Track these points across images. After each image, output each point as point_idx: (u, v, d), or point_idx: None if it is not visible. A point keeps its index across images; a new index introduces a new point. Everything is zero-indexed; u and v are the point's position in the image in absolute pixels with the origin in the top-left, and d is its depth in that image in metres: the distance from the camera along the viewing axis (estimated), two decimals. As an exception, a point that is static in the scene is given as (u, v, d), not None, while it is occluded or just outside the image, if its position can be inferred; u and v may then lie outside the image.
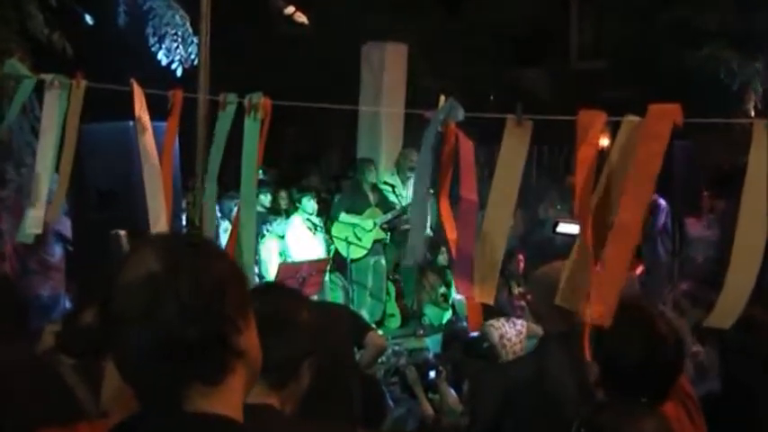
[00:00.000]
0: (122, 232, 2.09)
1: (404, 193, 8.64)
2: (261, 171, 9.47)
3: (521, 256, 8.11)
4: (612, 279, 2.64)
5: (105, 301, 1.25)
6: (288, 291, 2.18)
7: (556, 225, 8.49)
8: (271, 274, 7.71)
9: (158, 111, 4.25)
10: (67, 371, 2.50)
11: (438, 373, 5.24)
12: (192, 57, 8.55)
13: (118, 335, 1.24)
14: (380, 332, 6.84)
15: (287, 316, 1.91)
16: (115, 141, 4.68)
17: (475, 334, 5.57)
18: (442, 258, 8.84)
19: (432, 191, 8.71)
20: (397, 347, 6.96)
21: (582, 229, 2.88)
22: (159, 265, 1.23)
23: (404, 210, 8.43)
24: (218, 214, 9.13)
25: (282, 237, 8.31)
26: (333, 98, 5.31)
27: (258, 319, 1.34)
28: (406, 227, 8.70)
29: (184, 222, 6.17)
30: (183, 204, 6.06)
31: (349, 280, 8.21)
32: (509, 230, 3.51)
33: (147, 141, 4.02)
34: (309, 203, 8.31)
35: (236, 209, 5.03)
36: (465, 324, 6.79)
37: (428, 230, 9.17)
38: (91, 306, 2.48)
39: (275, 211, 8.55)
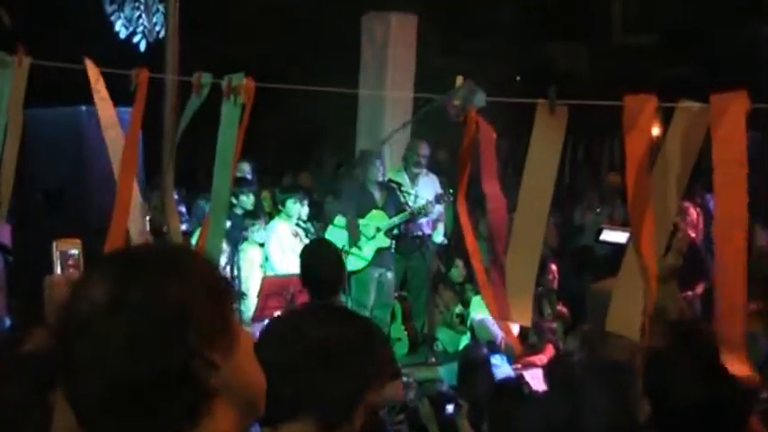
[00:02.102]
0: (55, 242, 2.07)
1: (412, 193, 8.63)
2: (248, 167, 9.48)
3: (553, 267, 8.10)
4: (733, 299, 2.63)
5: (56, 336, 1.27)
6: (344, 313, 2.17)
7: (599, 233, 8.49)
8: (252, 289, 7.70)
9: (117, 93, 4.24)
10: (10, 408, 2.49)
11: (457, 407, 5.21)
12: (158, 28, 8.55)
13: (67, 376, 1.26)
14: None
15: (343, 345, 1.90)
16: (65, 130, 4.68)
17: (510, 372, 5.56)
18: (458, 273, 8.83)
19: (451, 191, 8.66)
20: (404, 379, 6.94)
21: (636, 238, 2.86)
22: (105, 293, 1.24)
23: (414, 213, 8.41)
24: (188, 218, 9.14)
25: (262, 245, 8.29)
26: (327, 79, 5.30)
27: (307, 349, 1.33)
28: (417, 233, 8.68)
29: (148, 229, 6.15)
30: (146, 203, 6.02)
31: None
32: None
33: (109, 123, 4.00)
34: (295, 207, 8.30)
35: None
36: (485, 350, 6.78)
37: (442, 238, 9.19)
38: (33, 330, 2.46)
39: (253, 215, 8.52)
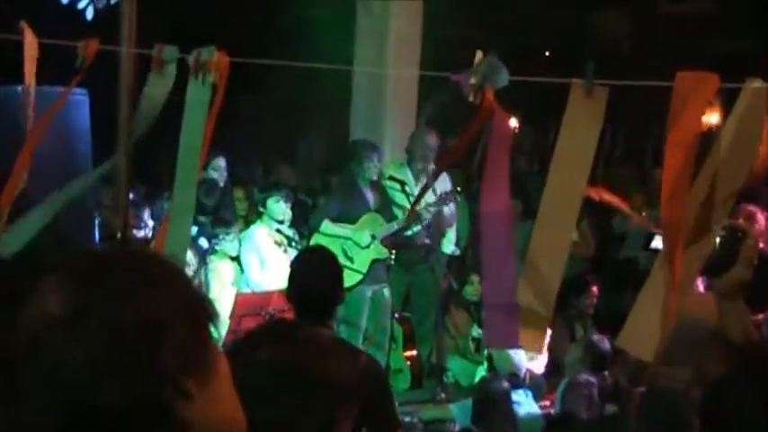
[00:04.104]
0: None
1: (417, 193, 8.61)
2: (223, 162, 9.37)
3: (594, 289, 8.12)
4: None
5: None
6: (315, 334, 2.19)
7: (650, 239, 8.49)
8: (223, 311, 7.68)
9: (59, 70, 4.26)
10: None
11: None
12: (108, -7, 8.55)
13: (11, 401, 1.24)
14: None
15: (315, 371, 1.91)
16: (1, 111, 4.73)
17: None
18: (473, 290, 8.81)
19: (459, 189, 8.64)
20: (407, 419, 6.94)
21: (667, 243, 2.88)
22: (63, 303, 1.23)
23: (417, 217, 8.39)
24: (150, 222, 9.13)
25: (234, 258, 8.24)
26: (316, 55, 5.31)
27: (274, 374, 1.33)
28: (426, 242, 8.63)
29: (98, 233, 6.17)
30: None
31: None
32: (571, 248, 3.52)
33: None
34: (278, 207, 8.25)
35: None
36: (506, 384, 6.79)
37: (453, 248, 9.18)
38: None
39: (223, 222, 8.42)
